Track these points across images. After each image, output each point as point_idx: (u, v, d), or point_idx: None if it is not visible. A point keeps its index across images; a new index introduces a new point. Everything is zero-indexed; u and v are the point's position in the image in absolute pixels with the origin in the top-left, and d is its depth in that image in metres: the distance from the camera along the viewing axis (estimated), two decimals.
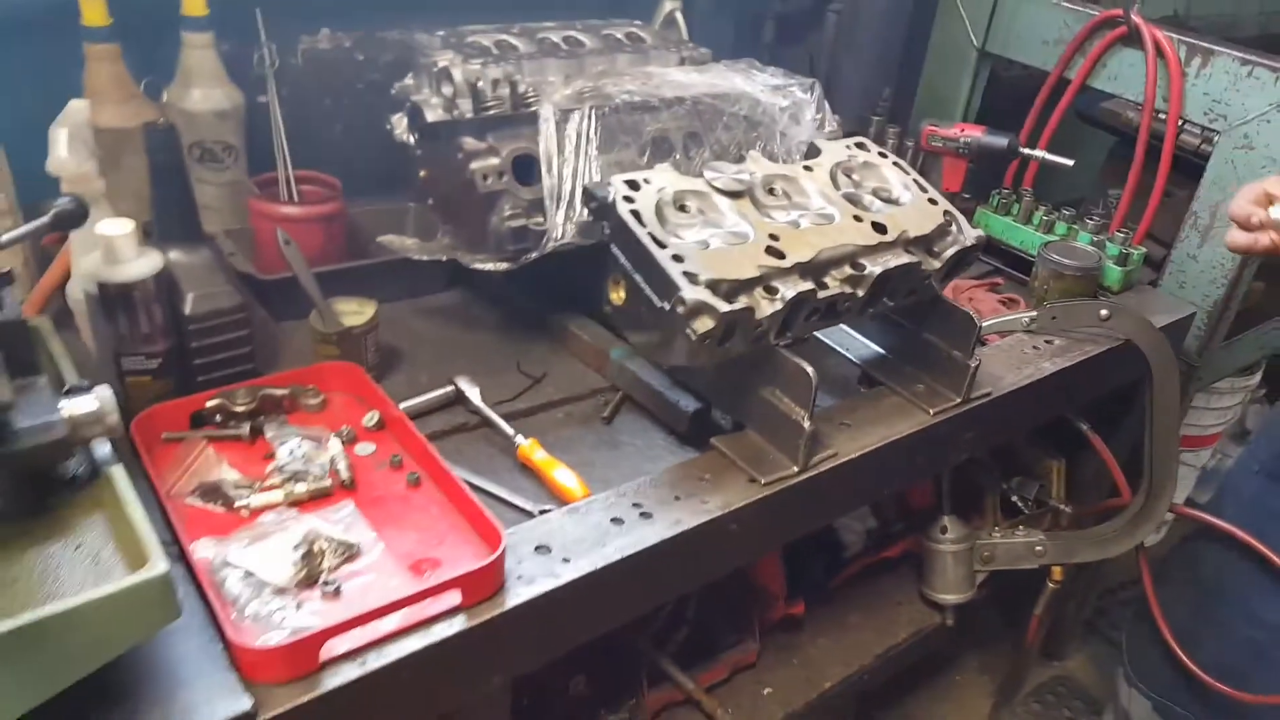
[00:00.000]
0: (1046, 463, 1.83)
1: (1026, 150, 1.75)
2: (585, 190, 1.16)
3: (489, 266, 1.34)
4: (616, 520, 1.06)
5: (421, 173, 1.44)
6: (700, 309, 1.05)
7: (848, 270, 1.19)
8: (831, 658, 1.59)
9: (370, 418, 1.19)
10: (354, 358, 1.30)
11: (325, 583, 0.94)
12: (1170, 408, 1.53)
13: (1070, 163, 1.72)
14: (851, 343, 1.46)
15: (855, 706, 1.92)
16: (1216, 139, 1.69)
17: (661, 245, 1.10)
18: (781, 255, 1.14)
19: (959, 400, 1.32)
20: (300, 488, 1.06)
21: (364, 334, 1.32)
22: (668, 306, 1.07)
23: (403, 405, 1.27)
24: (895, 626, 1.66)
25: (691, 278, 1.07)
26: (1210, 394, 2.37)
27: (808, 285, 1.13)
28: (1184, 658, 1.63)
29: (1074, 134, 2.00)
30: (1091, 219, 1.76)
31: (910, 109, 2.12)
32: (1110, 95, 1.90)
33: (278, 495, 1.05)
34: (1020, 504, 1.81)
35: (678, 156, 1.44)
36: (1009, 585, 1.80)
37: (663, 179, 1.18)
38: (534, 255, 1.32)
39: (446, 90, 1.44)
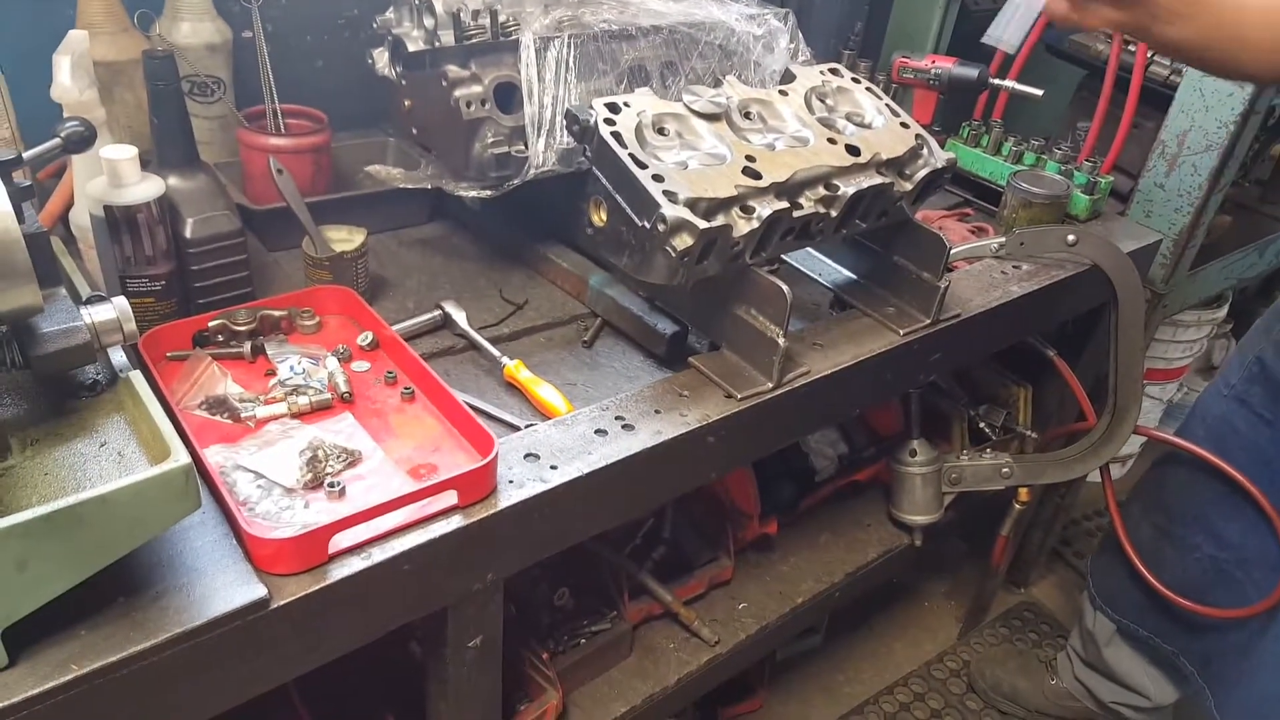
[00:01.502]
0: (1013, 389, 1.90)
1: (996, 81, 1.79)
2: (568, 113, 1.19)
3: (473, 193, 1.37)
4: (600, 431, 1.11)
5: (405, 103, 1.46)
6: (680, 226, 1.09)
7: (822, 191, 1.23)
8: (803, 575, 1.66)
9: (364, 337, 1.23)
10: (346, 282, 1.34)
11: (330, 484, 0.99)
12: (1134, 330, 1.58)
13: (1039, 93, 1.76)
14: (824, 268, 1.50)
15: (824, 628, 2.01)
16: (1183, 68, 1.73)
17: (642, 165, 1.13)
18: (758, 176, 1.18)
19: (928, 321, 1.38)
20: (302, 400, 1.10)
21: (355, 259, 1.35)
22: (648, 225, 1.11)
23: (393, 328, 1.31)
24: (865, 546, 1.73)
25: (671, 196, 1.10)
26: (1176, 327, 2.45)
27: (783, 205, 1.17)
28: (1148, 576, 1.71)
29: (1045, 68, 2.03)
30: (1060, 149, 1.81)
31: (882, 43, 2.15)
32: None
33: (281, 407, 1.09)
34: (988, 430, 1.88)
35: (654, 85, 1.46)
36: (977, 511, 1.88)
37: (642, 102, 1.21)
38: (516, 182, 1.35)
39: (428, 22, 1.45)
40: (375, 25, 1.53)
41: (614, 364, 1.37)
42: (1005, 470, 1.71)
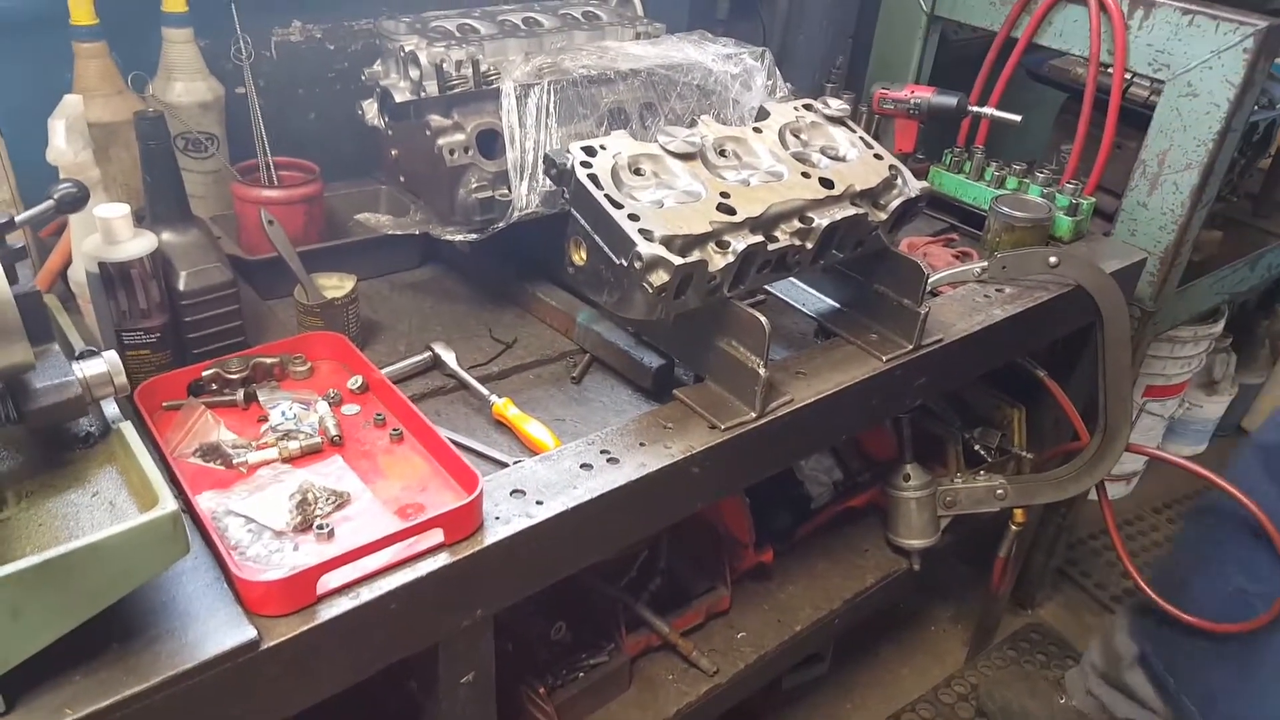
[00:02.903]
0: (1007, 411, 1.91)
1: (975, 108, 1.82)
2: (546, 158, 1.23)
3: (459, 237, 1.41)
4: (586, 465, 1.13)
5: (393, 152, 1.51)
6: (655, 263, 1.12)
7: (796, 224, 1.25)
8: (801, 602, 1.67)
9: (354, 381, 1.26)
10: (337, 328, 1.37)
11: (319, 526, 1.01)
12: (1121, 349, 1.60)
13: (1018, 119, 1.79)
14: (807, 297, 1.53)
15: (831, 654, 2.00)
16: (1162, 88, 1.75)
17: (618, 205, 1.16)
18: (732, 211, 1.21)
19: (911, 347, 1.40)
20: (293, 445, 1.13)
21: (345, 305, 1.39)
22: (625, 263, 1.14)
23: (383, 370, 1.34)
24: (863, 572, 1.74)
25: (646, 234, 1.13)
26: (1174, 343, 2.46)
27: (758, 238, 1.19)
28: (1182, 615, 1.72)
29: (1026, 93, 2.06)
30: (1042, 173, 1.83)
31: (865, 76, 2.19)
32: (1058, 52, 1.97)
33: (273, 452, 1.12)
34: (983, 453, 1.89)
35: (634, 126, 1.50)
36: (976, 534, 1.88)
37: (618, 144, 1.25)
38: (501, 225, 1.39)
39: (413, 73, 1.50)
40: (364, 77, 1.59)
41: (602, 398, 1.40)
42: (1000, 492, 1.72)
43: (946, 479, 1.74)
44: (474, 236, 1.40)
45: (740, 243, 1.18)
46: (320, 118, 1.84)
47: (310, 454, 1.13)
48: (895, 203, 1.33)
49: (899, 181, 1.35)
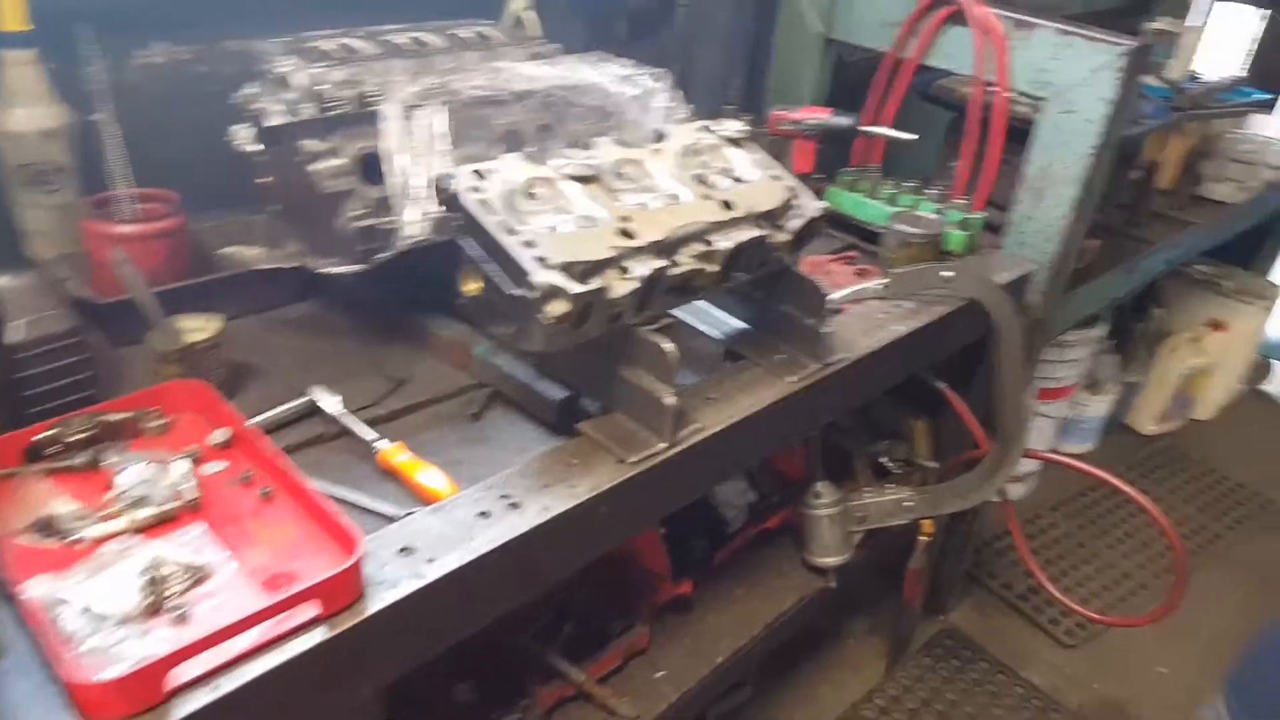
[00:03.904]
0: (911, 423, 1.92)
1: (868, 128, 1.83)
2: (434, 182, 1.15)
3: (339, 270, 1.31)
4: (483, 514, 1.05)
5: (265, 179, 1.39)
6: (552, 292, 1.05)
7: (699, 247, 1.21)
8: (721, 632, 1.62)
9: (218, 435, 1.14)
10: (200, 376, 1.25)
11: (172, 608, 0.90)
12: (1014, 359, 1.62)
13: (913, 138, 1.81)
14: (713, 320, 1.49)
15: (754, 679, 1.96)
16: (1043, 105, 1.80)
17: (511, 232, 1.09)
18: (633, 236, 1.15)
19: (817, 366, 1.37)
20: (144, 513, 1.01)
21: (207, 350, 1.27)
22: (520, 293, 1.07)
23: (254, 420, 1.23)
24: (781, 594, 1.70)
25: (543, 262, 1.07)
26: (1061, 347, 2.54)
27: (660, 263, 1.14)
28: None
29: (918, 113, 2.10)
30: (934, 190, 1.85)
31: (763, 97, 2.18)
32: (946, 72, 2.00)
33: (120, 523, 1.00)
34: (890, 465, 1.89)
35: (531, 149, 1.43)
36: (889, 547, 1.88)
37: (511, 167, 1.18)
38: (385, 255, 1.30)
39: (288, 96, 1.40)
40: (235, 101, 1.47)
41: (503, 436, 1.32)
42: (908, 504, 1.72)
43: (856, 494, 1.73)
44: (356, 268, 1.31)
45: (642, 268, 1.13)
46: (190, 145, 1.70)
47: (165, 522, 1.01)
48: (796, 223, 1.30)
49: (799, 202, 1.33)
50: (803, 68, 2.12)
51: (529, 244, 1.08)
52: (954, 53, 1.90)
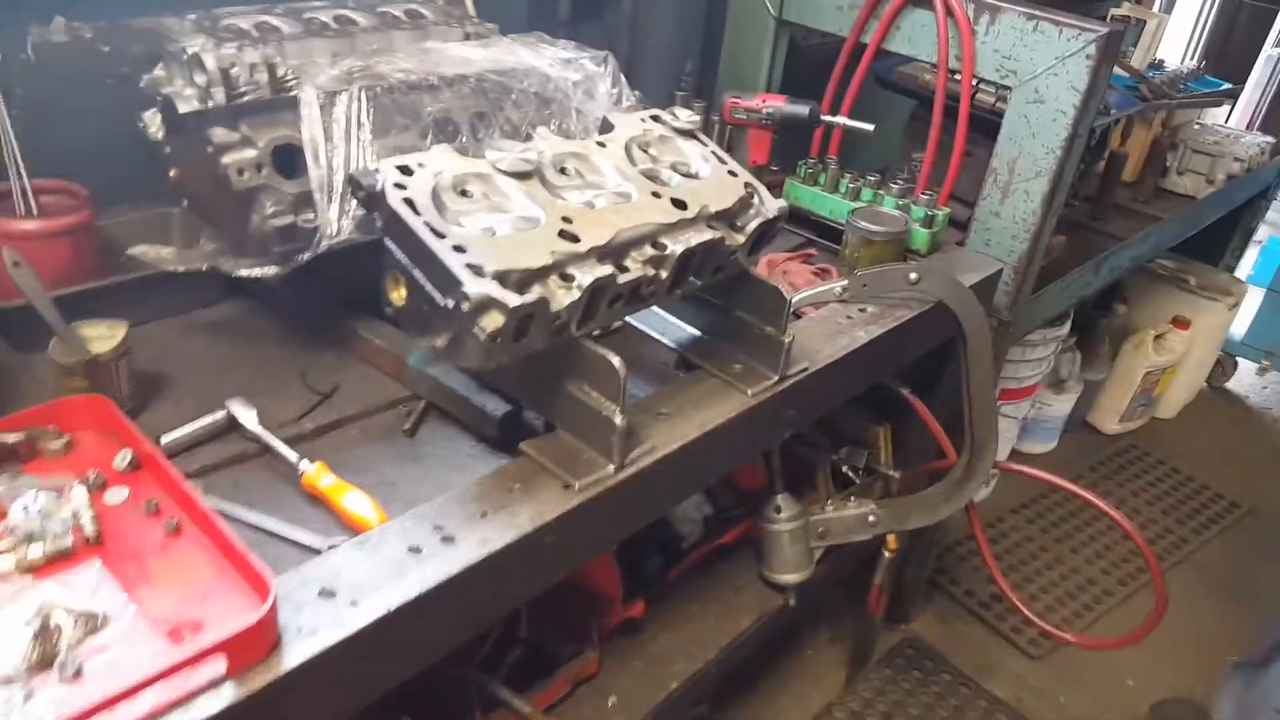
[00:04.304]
0: (873, 430, 1.85)
1: (828, 117, 1.75)
2: (351, 178, 1.04)
3: (255, 272, 1.19)
4: (414, 549, 0.95)
5: (171, 172, 1.27)
6: (487, 304, 0.95)
7: (649, 250, 1.11)
8: (676, 654, 1.54)
9: (122, 457, 1.02)
10: (105, 389, 1.13)
11: (63, 664, 0.79)
12: (984, 364, 1.55)
13: (870, 128, 1.73)
14: (667, 326, 1.40)
15: (710, 698, 1.89)
16: (1010, 94, 1.73)
17: (440, 235, 0.99)
18: (576, 239, 1.05)
19: (776, 378, 1.29)
20: (35, 551, 0.89)
21: (114, 360, 1.14)
22: (452, 304, 0.96)
23: (165, 438, 1.12)
24: (738, 613, 1.63)
25: (476, 270, 0.96)
26: (1025, 346, 2.49)
27: (606, 270, 1.05)
28: None
29: (877, 100, 2.02)
30: (896, 183, 1.78)
31: (715, 83, 2.09)
32: (908, 59, 1.93)
33: (7, 561, 0.88)
34: (851, 474, 1.82)
35: (464, 139, 1.33)
36: (849, 557, 1.81)
37: (440, 161, 1.07)
38: (306, 256, 1.18)
39: (199, 79, 1.27)
40: (143, 84, 1.34)
41: (440, 453, 1.22)
42: (872, 519, 1.65)
43: (817, 507, 1.66)
44: (273, 271, 1.19)
45: (586, 275, 1.03)
46: (95, 132, 1.55)
47: (59, 560, 0.90)
48: (753, 224, 1.21)
49: (755, 200, 1.24)
50: (756, 52, 2.03)
51: (460, 249, 0.98)
52: (916, 37, 1.82)
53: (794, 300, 1.53)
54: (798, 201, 1.85)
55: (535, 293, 0.99)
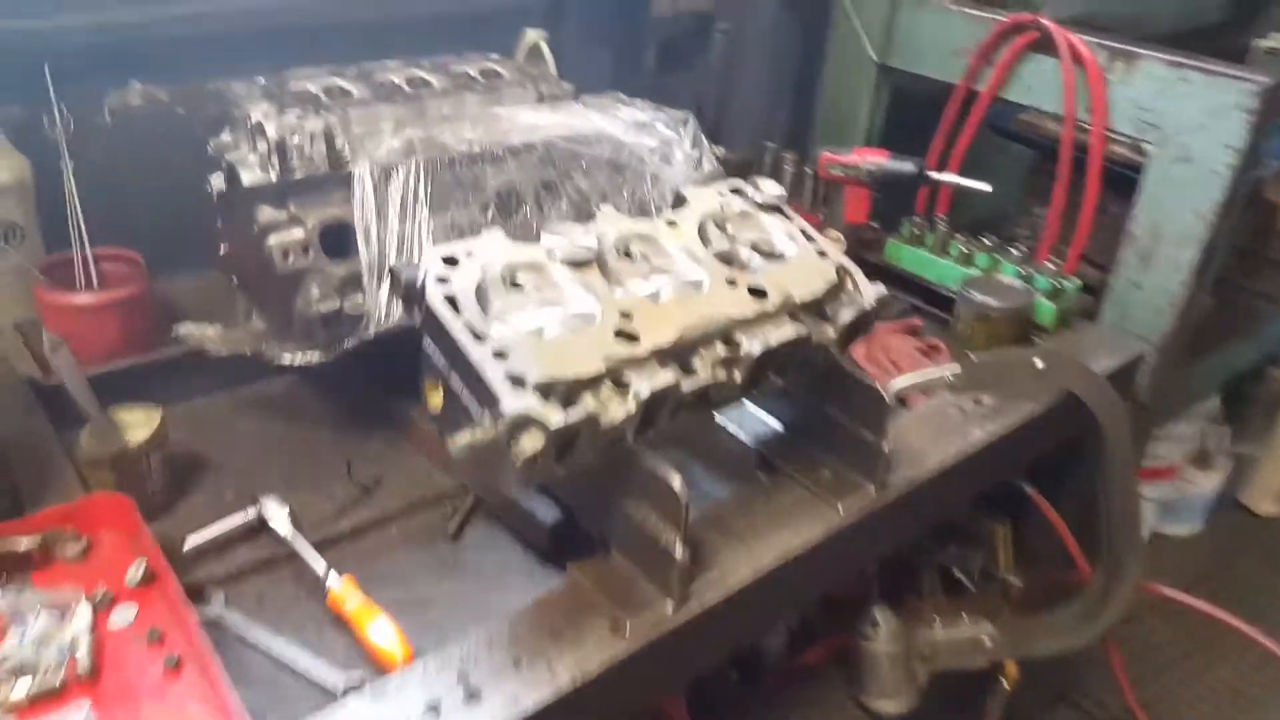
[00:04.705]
0: (990, 527, 1.63)
1: (936, 175, 1.56)
2: (392, 271, 0.93)
3: (297, 359, 1.11)
4: (433, 708, 0.82)
5: (221, 248, 1.20)
6: (524, 423, 0.82)
7: (720, 350, 0.97)
8: None
9: (135, 570, 0.94)
10: (134, 483, 1.06)
11: None
12: (1126, 470, 1.33)
13: (988, 188, 1.54)
14: (745, 417, 1.24)
15: None
16: (1151, 151, 1.51)
17: (480, 338, 0.87)
18: (635, 338, 0.92)
19: (874, 490, 1.11)
20: (20, 689, 0.82)
21: (146, 453, 1.07)
22: (488, 419, 0.84)
23: (191, 540, 1.03)
24: None
25: (517, 381, 0.84)
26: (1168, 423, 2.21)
27: (668, 377, 0.90)
28: None
29: (990, 147, 1.82)
30: (1016, 249, 1.57)
31: (809, 133, 1.93)
32: (1026, 107, 1.72)
33: None
34: (963, 578, 1.60)
35: (528, 211, 1.21)
36: (960, 681, 1.58)
37: (490, 250, 0.96)
38: (351, 343, 1.09)
39: (262, 147, 1.21)
40: (210, 149, 1.29)
41: (484, 563, 1.10)
42: (988, 643, 1.43)
43: (923, 623, 1.45)
44: (317, 358, 1.10)
45: (644, 384, 0.89)
46: (168, 195, 1.53)
47: (45, 699, 0.81)
48: (846, 314, 1.05)
49: (849, 286, 1.08)
50: (856, 100, 1.86)
51: (501, 354, 0.85)
52: (1037, 86, 1.62)
53: (896, 386, 1.36)
54: (901, 264, 1.67)
55: (583, 408, 0.86)
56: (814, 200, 1.77)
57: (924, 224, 1.66)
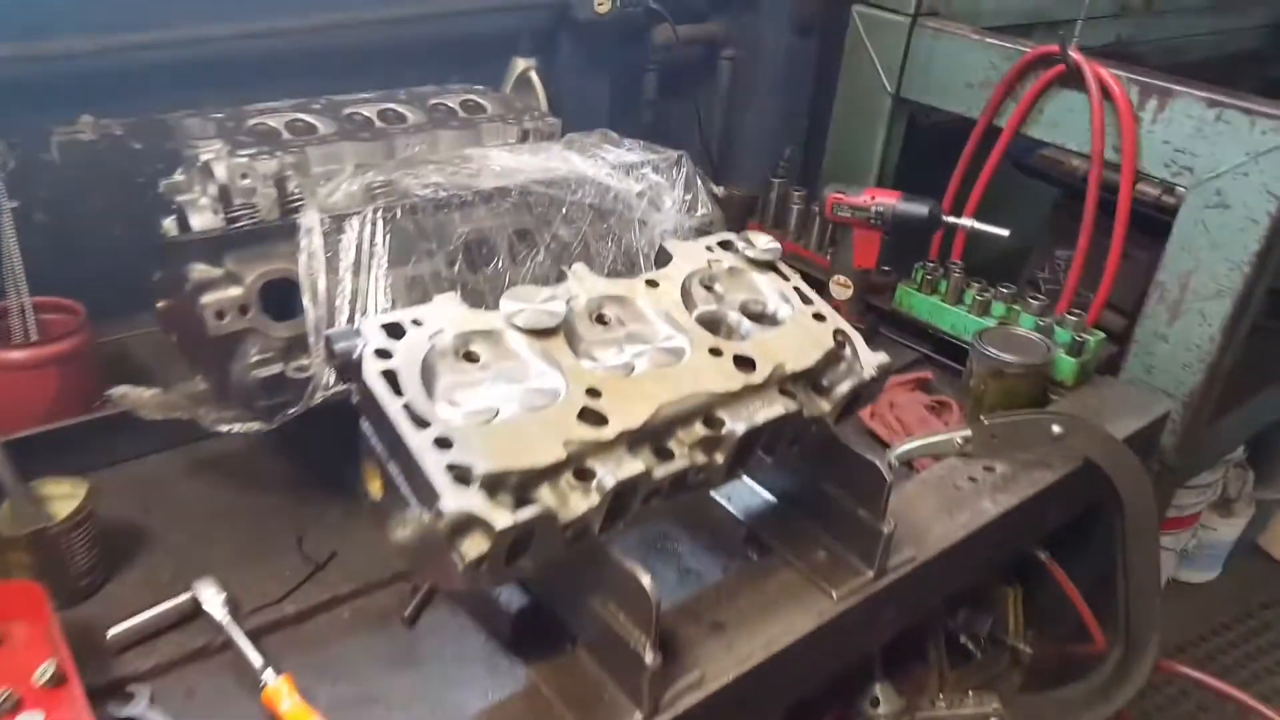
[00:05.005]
0: (1000, 590, 1.52)
1: (953, 219, 1.46)
2: (326, 341, 0.83)
3: (235, 428, 1.00)
4: None
5: (159, 303, 1.11)
6: (466, 524, 0.72)
7: (700, 430, 0.86)
8: None
9: (43, 671, 0.84)
10: (55, 564, 0.96)
11: None
12: (1147, 542, 1.23)
13: (1005, 233, 1.43)
14: (736, 487, 1.13)
15: None
16: (1184, 194, 1.40)
17: (422, 424, 0.77)
18: (603, 420, 0.82)
19: (871, 574, 1.00)
20: None
21: (67, 531, 0.97)
22: (427, 518, 0.74)
23: (114, 630, 0.93)
24: None
25: (460, 473, 0.74)
26: None
27: (636, 467, 0.80)
28: None
29: (1010, 183, 1.71)
30: (1035, 298, 1.46)
31: (819, 168, 1.82)
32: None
33: None
34: (970, 645, 1.49)
35: (500, 263, 1.11)
36: None
37: (441, 316, 0.86)
38: (294, 411, 0.99)
39: (212, 190, 1.12)
40: (161, 190, 1.20)
41: (442, 654, 0.99)
42: None
43: (925, 699, 1.34)
44: (256, 427, 1.00)
45: (608, 474, 0.79)
46: (127, 237, 1.44)
47: None
48: (843, 387, 0.95)
49: (847, 353, 0.97)
50: (869, 133, 1.75)
51: (444, 442, 0.75)
52: (1063, 123, 1.52)
53: (902, 450, 1.25)
54: (912, 311, 1.56)
55: (537, 505, 0.75)
56: (821, 240, 1.67)
57: (937, 269, 1.55)
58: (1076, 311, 1.43)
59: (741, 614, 0.96)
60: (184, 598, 0.97)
